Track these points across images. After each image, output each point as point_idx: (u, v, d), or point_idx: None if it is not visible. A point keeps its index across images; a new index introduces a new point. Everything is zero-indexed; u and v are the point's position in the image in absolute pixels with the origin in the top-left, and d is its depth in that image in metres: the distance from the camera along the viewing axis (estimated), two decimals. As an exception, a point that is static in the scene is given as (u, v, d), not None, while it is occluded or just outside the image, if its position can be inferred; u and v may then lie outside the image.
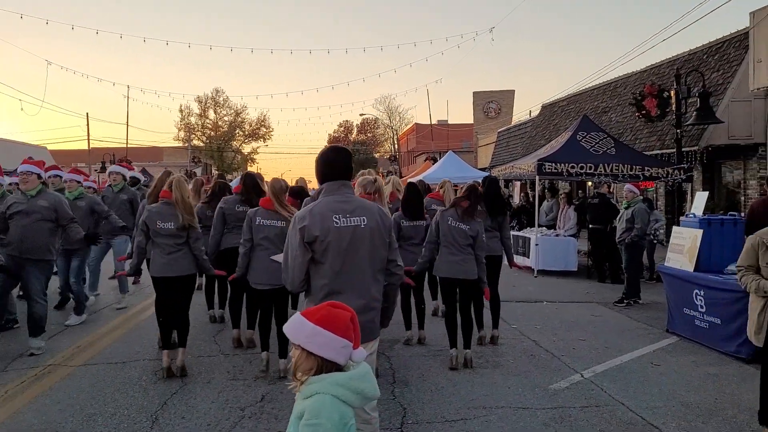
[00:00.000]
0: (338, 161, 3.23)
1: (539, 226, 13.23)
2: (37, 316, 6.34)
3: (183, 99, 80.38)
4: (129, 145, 46.17)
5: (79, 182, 7.97)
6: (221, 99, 64.25)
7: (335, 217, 3.06)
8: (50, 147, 43.05)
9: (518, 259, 12.86)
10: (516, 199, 22.50)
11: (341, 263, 3.03)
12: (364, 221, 3.10)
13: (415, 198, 6.69)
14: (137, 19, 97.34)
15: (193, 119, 63.91)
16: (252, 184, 6.50)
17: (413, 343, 6.72)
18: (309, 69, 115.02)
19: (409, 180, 12.23)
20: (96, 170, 35.82)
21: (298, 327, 2.09)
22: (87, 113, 44.50)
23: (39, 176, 6.52)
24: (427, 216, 6.77)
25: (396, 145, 65.07)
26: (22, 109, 70.76)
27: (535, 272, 12.11)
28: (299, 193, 7.60)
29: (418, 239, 6.50)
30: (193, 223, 5.64)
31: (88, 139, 44.44)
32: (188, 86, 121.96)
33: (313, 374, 2.06)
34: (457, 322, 5.95)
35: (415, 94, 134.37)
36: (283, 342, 5.49)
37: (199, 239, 5.77)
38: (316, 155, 3.33)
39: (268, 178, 7.07)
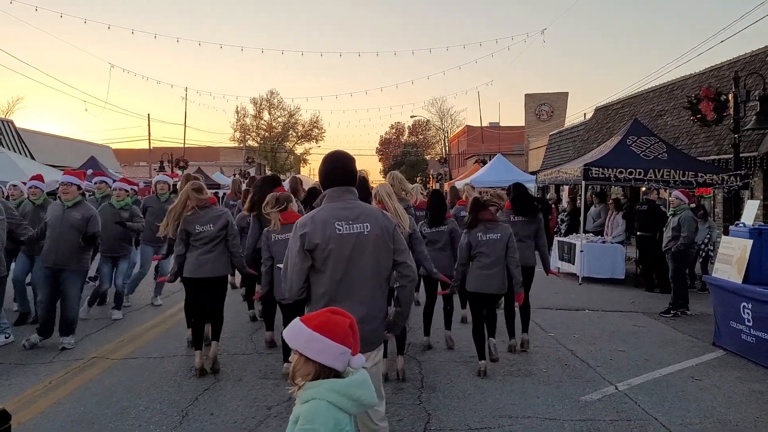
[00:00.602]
0: (342, 167, 3.15)
1: (586, 232, 12.94)
2: (69, 319, 6.58)
3: (236, 101, 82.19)
4: (186, 145, 47.48)
5: (127, 192, 8.20)
6: (275, 100, 65.44)
7: (338, 224, 2.99)
8: (113, 146, 44.76)
9: (563, 266, 12.68)
10: (564, 204, 22.05)
11: (343, 272, 2.98)
12: (367, 228, 3.04)
13: (438, 204, 6.69)
14: (193, 24, 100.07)
15: (248, 120, 65.33)
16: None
17: (436, 348, 6.69)
18: (358, 71, 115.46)
19: (434, 188, 12.14)
20: (155, 169, 36.90)
21: (296, 332, 2.11)
22: (148, 114, 46.06)
23: (78, 187, 6.72)
24: (452, 221, 6.77)
25: (447, 148, 64.79)
26: (86, 110, 74.13)
27: (580, 279, 11.84)
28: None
29: (441, 243, 6.53)
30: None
31: (149, 139, 45.94)
32: (242, 88, 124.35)
33: (311, 379, 2.07)
34: (484, 335, 5.91)
35: (464, 96, 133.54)
36: None
37: (236, 237, 5.94)
38: (321, 160, 3.27)
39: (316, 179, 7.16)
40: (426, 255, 5.69)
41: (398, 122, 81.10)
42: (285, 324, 6.33)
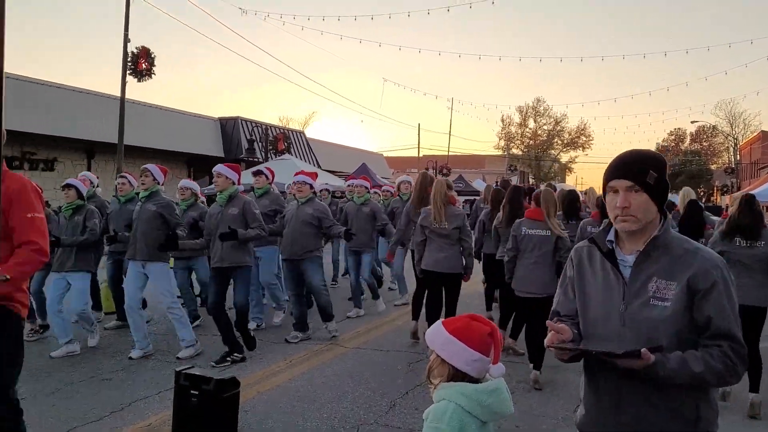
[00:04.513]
0: None
1: None
2: (321, 306, 7.14)
3: (496, 109, 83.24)
4: (450, 153, 49.49)
5: (366, 188, 8.79)
6: (541, 108, 64.63)
7: None
8: (386, 154, 48.77)
9: None
10: None
11: None
12: None
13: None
14: (453, 36, 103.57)
15: (513, 128, 65.63)
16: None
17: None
18: (620, 76, 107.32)
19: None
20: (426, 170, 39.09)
21: (436, 333, 2.15)
22: (419, 124, 49.12)
23: (311, 186, 7.18)
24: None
25: (737, 156, 57.04)
26: (362, 121, 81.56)
27: None
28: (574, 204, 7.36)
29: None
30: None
31: (418, 147, 49.01)
32: (502, 97, 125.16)
33: (445, 381, 2.09)
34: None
35: (755, 98, 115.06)
36: (534, 353, 5.59)
37: (470, 237, 6.40)
38: (653, 157, 2.03)
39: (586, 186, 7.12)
40: None
41: (678, 128, 73.82)
42: (515, 327, 6.40)
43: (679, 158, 67.41)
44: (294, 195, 7.43)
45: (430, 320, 6.28)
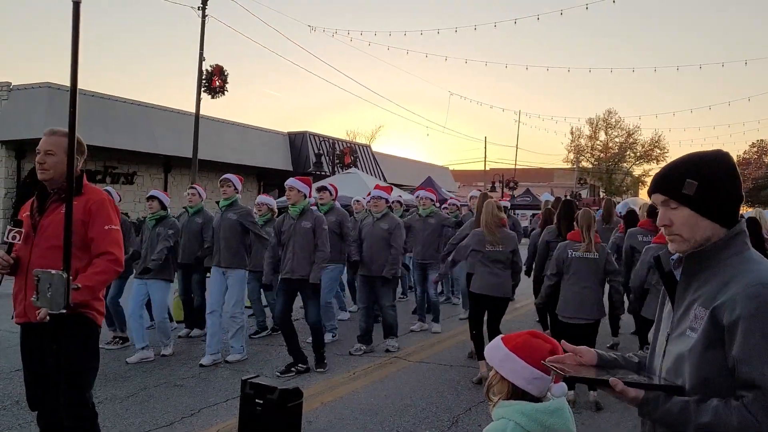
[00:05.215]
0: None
1: None
2: (387, 323, 7.26)
3: (564, 122, 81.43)
4: (518, 166, 48.82)
5: (432, 200, 8.81)
6: (613, 120, 62.80)
7: None
8: (452, 167, 48.60)
9: None
10: None
11: None
12: None
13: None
14: (519, 49, 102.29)
15: (582, 141, 64.04)
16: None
17: None
18: (696, 85, 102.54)
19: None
20: (488, 190, 38.69)
21: (495, 349, 2.11)
22: (485, 137, 48.74)
23: (387, 201, 7.41)
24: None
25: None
26: (428, 134, 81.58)
27: None
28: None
29: None
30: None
31: (485, 161, 48.63)
32: (572, 109, 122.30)
33: (504, 398, 2.06)
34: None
35: None
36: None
37: (519, 262, 6.26)
38: (700, 161, 1.64)
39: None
40: None
41: (761, 140, 70.10)
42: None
43: (763, 171, 63.97)
44: (370, 210, 7.58)
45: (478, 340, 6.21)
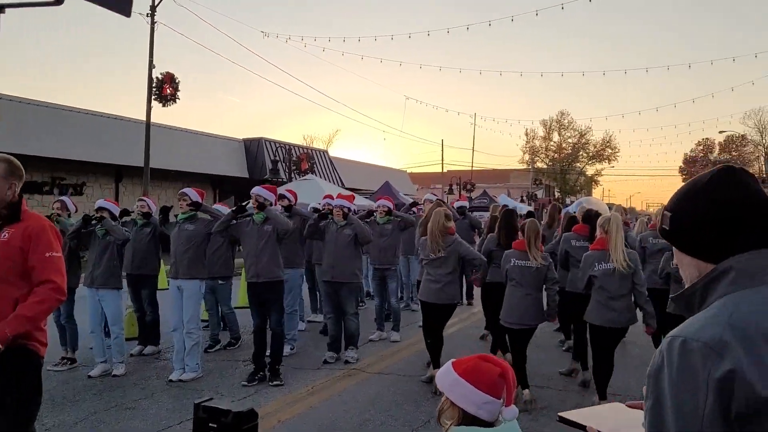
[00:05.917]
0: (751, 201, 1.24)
1: None
2: (350, 332, 7.26)
3: (518, 124, 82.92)
4: (474, 168, 49.32)
5: (388, 209, 8.81)
6: (566, 121, 64.10)
7: None
8: (409, 170, 48.75)
9: None
10: None
11: None
12: None
13: None
14: (476, 53, 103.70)
15: (537, 142, 65.16)
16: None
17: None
18: (661, 87, 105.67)
19: None
20: (445, 191, 38.94)
21: (444, 374, 2.11)
22: (442, 140, 49.08)
23: (349, 209, 7.46)
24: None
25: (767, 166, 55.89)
26: (384, 138, 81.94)
27: None
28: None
29: None
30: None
31: (442, 163, 48.93)
32: (525, 112, 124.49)
33: (455, 424, 2.05)
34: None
35: None
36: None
37: (476, 258, 6.39)
38: (686, 187, 1.35)
39: (614, 201, 7.10)
40: None
41: (706, 138, 72.53)
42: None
43: (709, 168, 65.95)
44: (332, 218, 7.60)
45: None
